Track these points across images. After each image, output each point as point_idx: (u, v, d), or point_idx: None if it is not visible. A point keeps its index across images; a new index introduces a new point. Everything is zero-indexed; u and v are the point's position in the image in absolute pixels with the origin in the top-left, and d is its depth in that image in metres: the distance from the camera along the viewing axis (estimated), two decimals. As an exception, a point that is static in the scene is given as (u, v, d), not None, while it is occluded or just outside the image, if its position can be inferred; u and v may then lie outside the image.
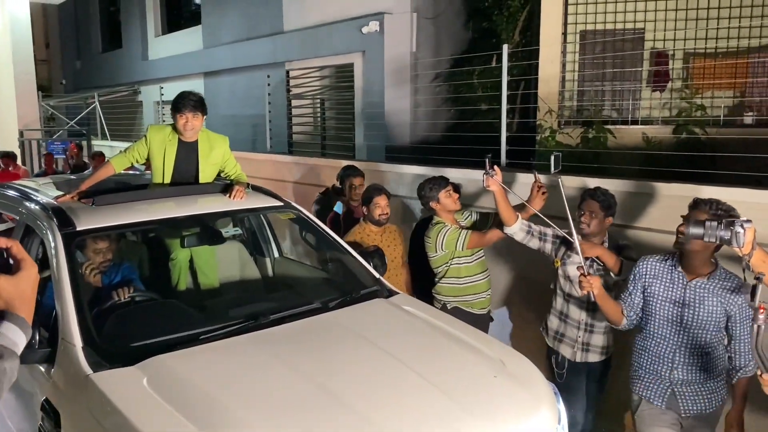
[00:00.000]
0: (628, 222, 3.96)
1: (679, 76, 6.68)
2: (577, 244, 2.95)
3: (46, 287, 3.14)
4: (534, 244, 3.50)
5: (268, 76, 8.93)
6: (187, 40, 13.27)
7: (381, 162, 6.38)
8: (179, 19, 14.83)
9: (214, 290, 3.82)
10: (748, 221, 2.15)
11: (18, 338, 1.18)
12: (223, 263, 3.99)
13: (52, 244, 2.93)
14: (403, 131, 8.40)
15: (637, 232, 3.91)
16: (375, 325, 2.98)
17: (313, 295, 3.36)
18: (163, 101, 12.57)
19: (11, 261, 1.25)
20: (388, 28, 8.28)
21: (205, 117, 3.71)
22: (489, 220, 3.94)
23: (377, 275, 3.49)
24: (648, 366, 2.85)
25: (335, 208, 4.92)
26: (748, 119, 6.20)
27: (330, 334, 2.86)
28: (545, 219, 3.25)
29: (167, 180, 3.74)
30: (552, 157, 3.14)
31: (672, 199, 3.69)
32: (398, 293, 3.40)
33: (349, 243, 3.84)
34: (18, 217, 3.45)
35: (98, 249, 3.30)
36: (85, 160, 9.78)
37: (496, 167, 3.33)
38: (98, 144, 13.19)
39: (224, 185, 3.70)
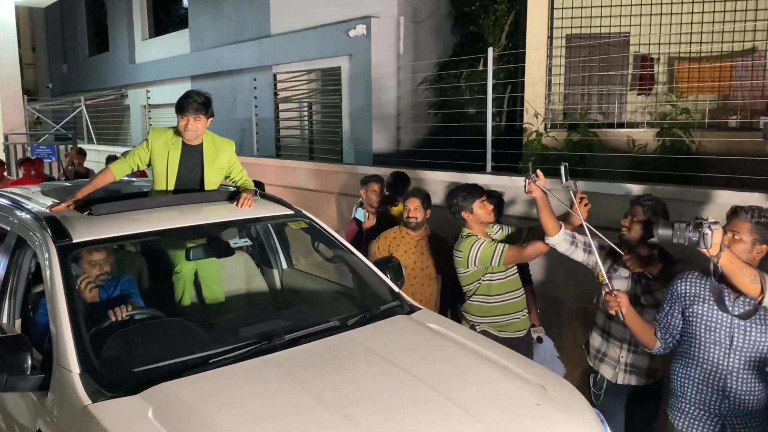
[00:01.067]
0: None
1: (664, 80, 6.73)
2: (595, 253, 2.80)
3: (39, 304, 2.98)
4: (578, 256, 3.21)
5: (255, 80, 8.90)
6: (175, 43, 13.21)
7: (368, 165, 6.38)
8: (166, 22, 14.77)
9: (221, 307, 3.57)
10: (716, 223, 2.15)
11: None
12: (228, 276, 3.73)
13: (46, 258, 2.68)
14: (390, 134, 8.40)
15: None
16: (400, 347, 2.70)
17: (329, 312, 3.10)
18: (150, 105, 12.52)
19: None
20: (375, 32, 8.27)
21: (210, 119, 3.45)
22: (522, 235, 3.68)
23: (396, 289, 3.24)
24: (692, 396, 2.53)
25: (356, 215, 4.67)
26: (732, 122, 6.24)
27: (352, 357, 2.60)
28: (592, 229, 2.92)
29: (171, 187, 3.48)
30: (562, 168, 2.92)
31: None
32: (420, 309, 3.14)
33: (375, 246, 3.65)
34: (8, 228, 3.19)
35: (95, 261, 3.05)
36: (87, 167, 9.04)
37: (539, 171, 3.07)
38: (85, 148, 13.09)
39: (231, 193, 3.48)
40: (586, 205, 3.22)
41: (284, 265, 4.07)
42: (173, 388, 2.26)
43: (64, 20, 18.70)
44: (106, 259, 3.09)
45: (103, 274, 3.08)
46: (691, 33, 6.32)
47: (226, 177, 3.66)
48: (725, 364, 2.44)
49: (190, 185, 3.51)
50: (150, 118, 12.46)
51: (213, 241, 3.52)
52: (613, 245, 2.98)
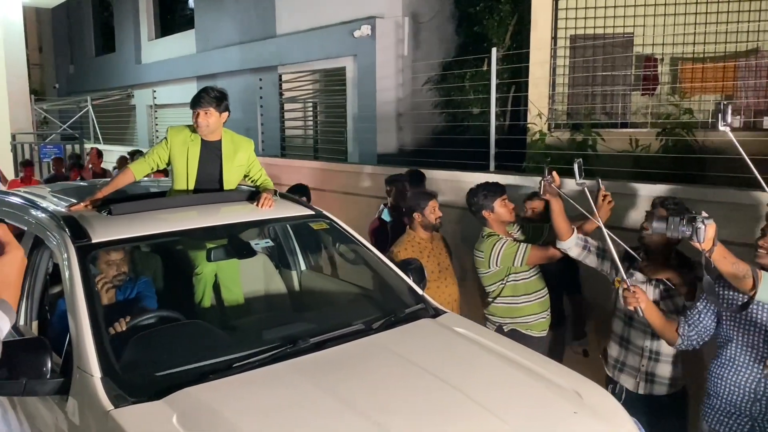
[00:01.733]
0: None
1: (668, 80, 6.75)
2: (610, 246, 2.69)
3: (56, 306, 2.94)
4: (591, 261, 3.13)
5: (260, 80, 8.95)
6: (181, 44, 13.29)
7: (373, 165, 6.42)
8: (172, 23, 14.86)
9: (242, 309, 3.49)
10: (709, 218, 2.18)
11: (2, 323, 1.17)
12: (247, 278, 3.64)
13: (65, 258, 2.60)
14: (394, 134, 8.44)
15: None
16: (429, 351, 2.61)
17: (353, 315, 3.00)
18: (156, 105, 12.58)
19: None
20: (379, 32, 8.32)
21: (223, 114, 3.40)
22: (543, 233, 3.60)
23: (420, 292, 3.16)
24: (725, 396, 2.52)
25: (382, 216, 4.52)
26: (736, 122, 6.25)
27: (380, 362, 2.50)
28: (610, 234, 2.82)
29: (191, 184, 3.43)
30: (575, 165, 2.83)
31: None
32: (446, 312, 3.05)
33: (402, 255, 3.55)
34: (26, 228, 3.12)
35: (112, 261, 2.98)
36: (103, 167, 9.13)
37: (554, 173, 3.00)
38: (91, 147, 13.19)
39: (251, 192, 3.42)
40: (609, 203, 3.13)
41: (303, 267, 3.99)
42: (197, 393, 2.19)
43: (70, 21, 18.82)
44: (123, 259, 3.03)
45: (121, 274, 3.02)
46: (695, 33, 6.34)
47: (245, 176, 3.62)
48: (760, 367, 2.43)
49: (208, 182, 3.48)
50: (156, 118, 12.53)
51: (234, 242, 3.43)
52: (630, 250, 2.92)
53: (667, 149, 5.46)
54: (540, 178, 3.03)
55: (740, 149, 2.48)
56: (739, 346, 2.49)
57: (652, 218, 2.30)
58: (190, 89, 12.18)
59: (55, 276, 2.87)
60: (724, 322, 2.54)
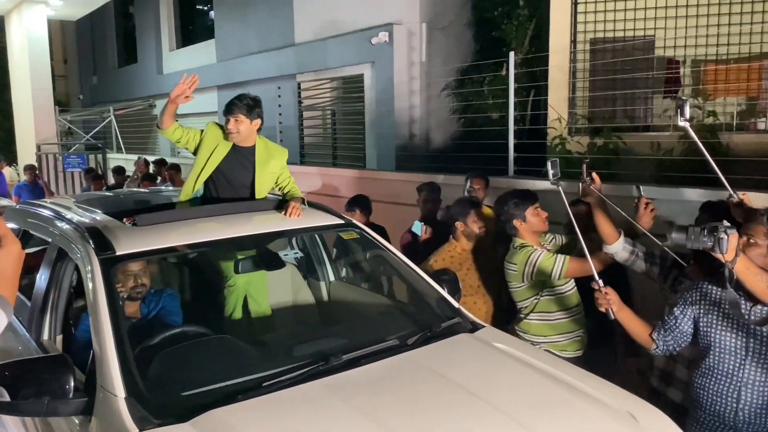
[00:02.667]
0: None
1: (690, 83, 6.64)
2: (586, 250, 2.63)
3: (81, 320, 2.88)
4: (640, 266, 2.96)
5: (279, 88, 9.01)
6: (201, 53, 13.45)
7: (390, 171, 6.40)
8: (193, 33, 15.05)
9: (270, 323, 3.36)
10: (732, 227, 2.08)
11: None
12: (274, 289, 3.49)
13: (89, 271, 2.51)
14: (412, 140, 8.43)
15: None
16: (469, 369, 2.46)
17: (386, 330, 2.85)
18: (177, 114, 12.70)
19: None
20: (397, 39, 8.32)
21: (255, 122, 3.38)
22: (577, 244, 3.44)
23: (456, 304, 3.00)
24: (708, 407, 2.44)
25: (413, 228, 4.36)
26: (761, 124, 6.13)
27: (418, 381, 2.36)
28: (654, 240, 2.72)
29: (203, 178, 3.41)
30: (548, 164, 2.81)
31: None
32: (484, 326, 2.88)
33: (437, 266, 3.43)
34: (50, 239, 3.05)
35: (130, 271, 2.87)
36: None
37: (594, 174, 2.86)
38: (113, 157, 13.38)
39: (278, 201, 3.32)
40: (652, 210, 2.94)
41: (332, 277, 3.83)
42: (226, 415, 2.07)
43: (94, 33, 19.16)
44: (143, 270, 2.91)
45: (140, 286, 2.89)
46: (718, 35, 6.24)
47: (275, 184, 3.60)
48: (740, 374, 2.36)
49: (240, 188, 3.45)
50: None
51: (263, 252, 3.32)
52: (676, 256, 2.81)
53: (690, 153, 5.37)
54: (580, 181, 2.89)
55: (701, 146, 2.39)
56: (720, 354, 2.40)
57: (672, 229, 2.19)
58: (211, 99, 12.36)
59: (79, 289, 2.80)
60: (701, 330, 2.45)
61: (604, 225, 2.90)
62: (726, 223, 2.11)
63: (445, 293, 3.03)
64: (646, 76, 6.60)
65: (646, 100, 6.77)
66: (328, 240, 3.87)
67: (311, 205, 3.36)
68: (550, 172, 2.81)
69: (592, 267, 2.61)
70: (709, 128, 5.53)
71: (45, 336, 2.87)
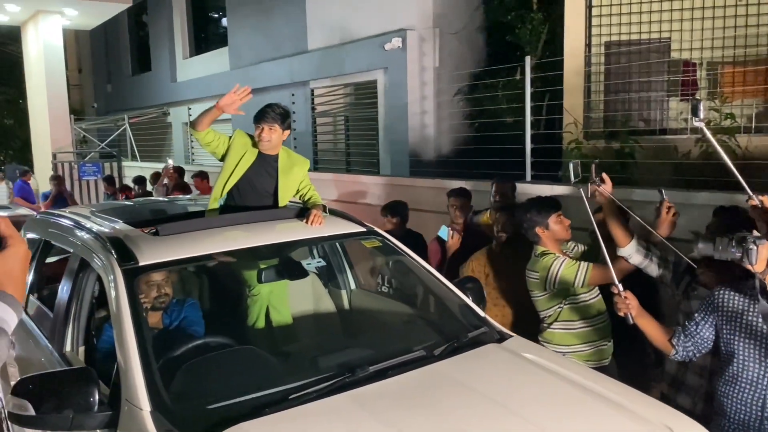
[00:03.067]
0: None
1: (707, 85, 6.58)
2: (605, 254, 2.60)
3: (102, 330, 2.88)
4: (653, 270, 2.92)
5: (293, 95, 9.04)
6: (214, 61, 13.53)
7: (405, 177, 6.39)
8: (206, 41, 15.15)
9: (292, 333, 3.33)
10: (761, 238, 2.02)
11: (8, 316, 1.15)
12: (295, 298, 3.46)
13: (111, 282, 2.49)
14: (426, 146, 8.42)
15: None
16: (498, 381, 2.42)
17: (411, 340, 2.80)
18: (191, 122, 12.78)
19: None
20: (410, 44, 8.33)
21: (286, 132, 3.45)
22: (600, 252, 3.38)
23: (482, 314, 2.95)
24: (732, 415, 2.40)
25: (440, 233, 4.25)
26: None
27: (447, 394, 2.31)
28: (668, 244, 2.69)
29: (230, 184, 3.44)
30: (570, 166, 2.77)
31: None
32: (511, 336, 2.82)
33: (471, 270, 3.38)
34: (71, 249, 3.05)
35: (153, 282, 2.84)
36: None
37: (604, 175, 2.82)
38: (128, 165, 13.48)
39: (299, 210, 3.31)
40: (674, 214, 2.89)
41: (353, 286, 3.79)
42: (253, 429, 2.03)
43: (108, 42, 19.34)
44: (166, 279, 2.89)
45: (163, 296, 2.87)
46: (735, 36, 6.18)
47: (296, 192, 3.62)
48: (765, 383, 2.32)
49: (264, 196, 3.49)
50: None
51: (286, 261, 3.29)
52: (690, 261, 2.77)
53: (708, 155, 5.32)
54: (589, 182, 2.85)
55: (717, 147, 2.34)
56: (744, 362, 2.35)
57: (698, 239, 2.15)
58: (224, 106, 12.43)
59: (101, 299, 2.79)
60: (723, 337, 2.40)
61: (615, 227, 2.88)
62: (756, 233, 2.06)
63: (470, 302, 2.98)
64: (662, 80, 6.55)
65: (662, 103, 6.71)
66: (348, 248, 3.86)
67: (332, 212, 3.35)
68: (572, 174, 2.77)
69: (613, 275, 2.55)
70: (726, 131, 5.47)
71: (67, 347, 2.87)
